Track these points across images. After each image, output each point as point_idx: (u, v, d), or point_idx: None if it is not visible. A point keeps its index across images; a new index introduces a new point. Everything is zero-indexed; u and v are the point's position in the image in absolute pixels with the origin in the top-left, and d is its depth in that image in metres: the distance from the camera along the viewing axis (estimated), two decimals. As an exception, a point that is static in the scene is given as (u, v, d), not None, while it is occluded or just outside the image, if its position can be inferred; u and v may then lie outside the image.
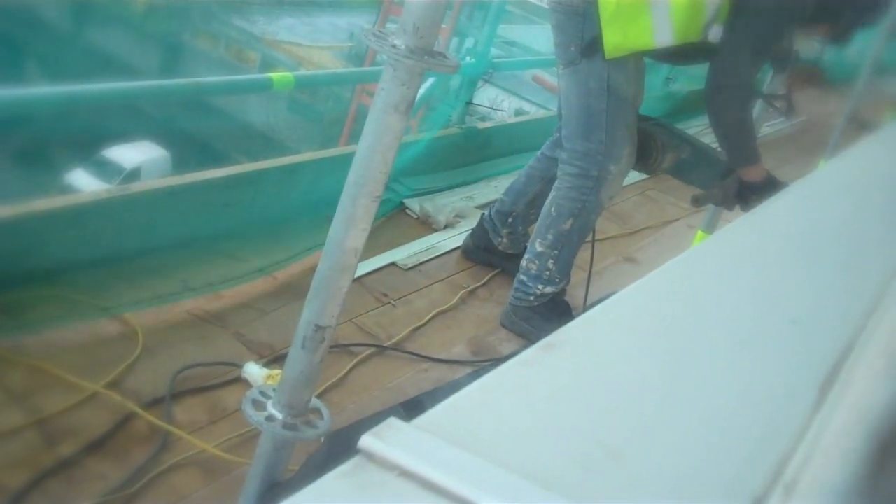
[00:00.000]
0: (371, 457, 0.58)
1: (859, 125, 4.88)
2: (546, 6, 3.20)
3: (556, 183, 3.12)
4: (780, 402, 0.76)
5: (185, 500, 2.08)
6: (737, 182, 3.10)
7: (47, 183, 14.40)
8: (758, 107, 3.40)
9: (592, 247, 3.28)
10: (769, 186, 3.00)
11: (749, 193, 3.06)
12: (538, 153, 3.45)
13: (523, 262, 3.19)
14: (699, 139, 3.39)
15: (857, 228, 1.31)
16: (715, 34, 2.88)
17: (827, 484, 0.63)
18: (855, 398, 0.74)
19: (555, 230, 3.10)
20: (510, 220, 3.47)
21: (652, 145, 3.11)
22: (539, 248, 3.13)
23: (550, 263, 3.12)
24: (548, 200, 3.15)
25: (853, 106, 5.06)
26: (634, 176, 3.31)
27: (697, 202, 3.27)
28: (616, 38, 2.88)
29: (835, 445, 0.67)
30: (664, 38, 2.86)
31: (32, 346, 2.37)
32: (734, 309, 0.95)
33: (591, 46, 2.92)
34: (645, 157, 3.13)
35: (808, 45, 3.33)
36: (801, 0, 2.87)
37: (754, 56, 2.94)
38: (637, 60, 3.02)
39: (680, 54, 2.98)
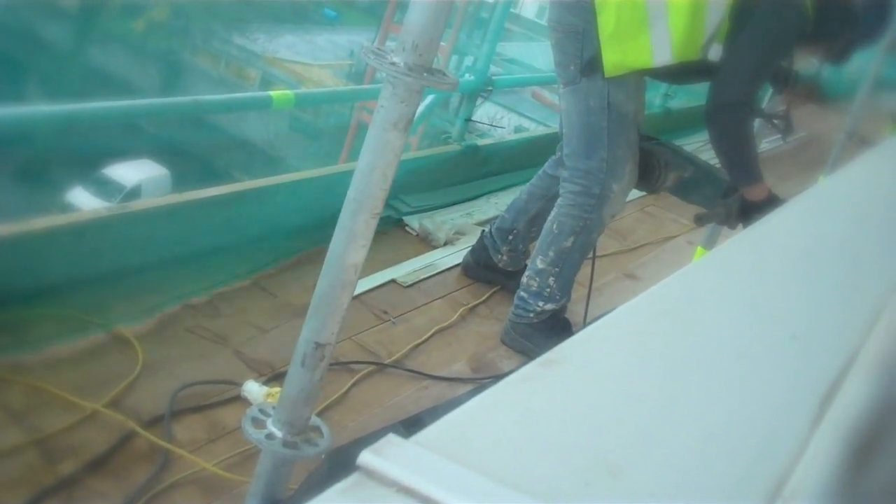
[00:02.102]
0: (370, 473, 0.58)
1: (859, 141, 4.89)
2: (545, 24, 3.21)
3: (559, 200, 3.12)
4: (779, 418, 0.76)
5: (184, 519, 2.08)
6: (739, 201, 3.09)
7: (48, 201, 14.44)
8: (756, 125, 3.39)
9: (593, 263, 3.27)
10: (772, 205, 2.99)
11: (752, 212, 3.05)
12: (540, 171, 3.45)
13: (524, 279, 3.18)
14: (700, 158, 3.39)
15: (857, 243, 1.31)
16: (714, 53, 2.89)
17: (821, 495, 0.63)
18: (852, 412, 0.74)
19: (556, 248, 3.09)
20: (510, 237, 3.47)
21: (654, 164, 3.10)
22: (540, 266, 3.13)
23: (551, 281, 3.11)
24: (549, 218, 3.15)
25: (852, 121, 5.07)
26: (634, 192, 3.30)
27: (700, 221, 3.26)
28: (615, 57, 2.88)
29: (831, 458, 0.67)
30: (663, 56, 2.86)
31: (32, 364, 2.37)
32: (734, 324, 0.95)
33: (590, 65, 2.92)
34: (647, 177, 3.12)
35: (807, 63, 3.33)
36: (801, 19, 2.87)
37: (755, 75, 2.94)
38: (637, 78, 3.02)
39: (679, 73, 2.99)
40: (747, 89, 2.94)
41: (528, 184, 3.50)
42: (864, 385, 0.79)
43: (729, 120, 2.93)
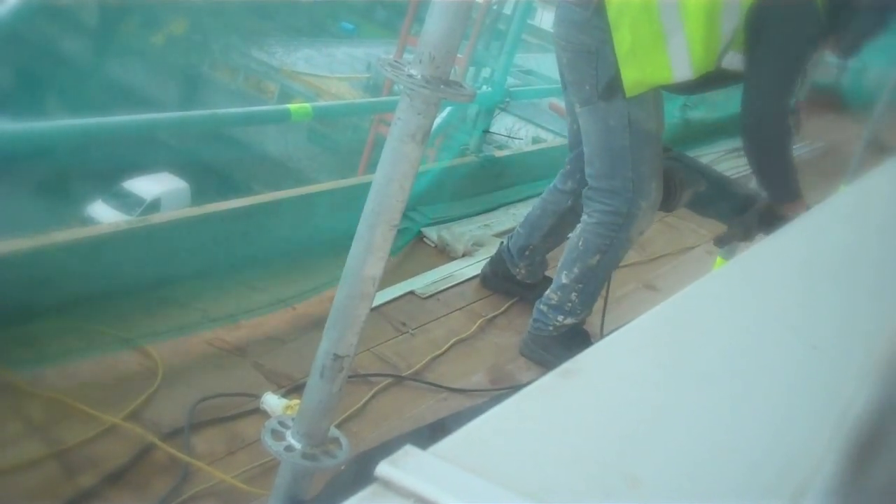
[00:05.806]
0: (388, 484, 0.57)
1: (879, 149, 4.87)
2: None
3: (585, 217, 3.08)
4: (800, 428, 0.76)
5: (204, 531, 2.08)
6: (756, 215, 3.06)
7: (67, 215, 14.52)
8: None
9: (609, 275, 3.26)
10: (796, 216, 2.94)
11: (774, 223, 2.99)
12: (550, 185, 3.43)
13: (547, 292, 3.15)
14: (714, 169, 3.37)
15: (878, 252, 1.31)
16: (729, 61, 2.85)
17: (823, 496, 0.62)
18: (854, 413, 0.73)
19: (581, 264, 3.06)
20: (527, 252, 3.45)
21: (670, 183, 3.07)
22: (564, 281, 3.09)
23: (573, 296, 3.08)
24: (576, 232, 3.11)
25: (873, 130, 5.04)
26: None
27: (721, 243, 3.23)
28: (635, 75, 2.84)
29: (834, 460, 0.66)
30: (683, 72, 2.82)
31: (52, 377, 2.38)
32: (753, 334, 0.95)
33: (609, 88, 2.87)
34: (665, 196, 3.07)
35: (818, 59, 3.28)
36: (815, 19, 2.80)
37: (785, 84, 2.87)
38: (655, 93, 2.98)
39: (696, 85, 2.94)
40: (781, 101, 2.88)
41: (539, 198, 3.48)
42: (866, 387, 0.78)
43: (769, 135, 2.87)
